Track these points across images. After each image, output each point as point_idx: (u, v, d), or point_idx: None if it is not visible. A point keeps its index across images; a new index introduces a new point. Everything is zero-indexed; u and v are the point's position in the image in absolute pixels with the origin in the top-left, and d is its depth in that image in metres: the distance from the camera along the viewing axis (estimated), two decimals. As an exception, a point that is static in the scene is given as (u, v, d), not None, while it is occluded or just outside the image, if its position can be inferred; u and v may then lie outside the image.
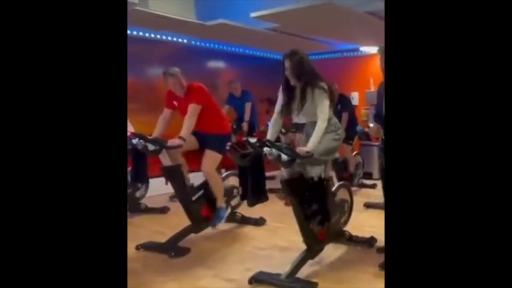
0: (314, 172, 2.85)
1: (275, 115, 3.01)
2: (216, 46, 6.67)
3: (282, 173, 2.86)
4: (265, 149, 2.57)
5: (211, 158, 3.63)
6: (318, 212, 2.88)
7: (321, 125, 2.73)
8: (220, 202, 3.76)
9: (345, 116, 5.39)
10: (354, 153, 5.95)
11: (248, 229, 4.01)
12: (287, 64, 2.83)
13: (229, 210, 3.95)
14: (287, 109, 2.96)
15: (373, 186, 5.87)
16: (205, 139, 3.65)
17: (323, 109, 2.76)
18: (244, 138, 3.76)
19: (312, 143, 2.69)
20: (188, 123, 3.42)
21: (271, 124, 3.01)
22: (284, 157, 2.54)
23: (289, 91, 2.92)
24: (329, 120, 2.81)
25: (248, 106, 5.89)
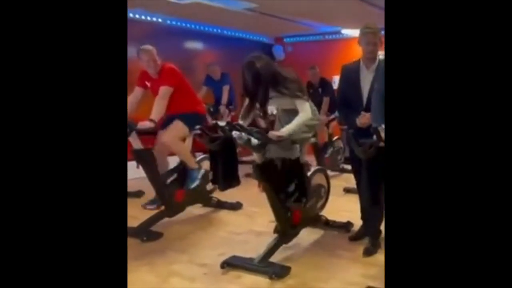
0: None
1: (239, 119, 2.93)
2: (193, 26, 6.48)
3: (254, 157, 2.79)
4: (234, 133, 2.50)
5: (174, 128, 3.52)
6: (292, 197, 2.83)
7: (303, 116, 2.74)
8: (191, 165, 3.71)
9: (326, 100, 5.45)
10: (335, 137, 5.90)
11: (224, 214, 3.95)
12: (245, 74, 2.76)
13: (203, 171, 3.80)
14: (251, 111, 2.91)
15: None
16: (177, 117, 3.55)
17: (303, 107, 2.78)
18: (214, 122, 3.67)
19: (288, 130, 2.67)
20: (160, 106, 3.33)
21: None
22: (254, 141, 2.47)
23: (251, 95, 2.86)
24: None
25: (226, 89, 5.78)
